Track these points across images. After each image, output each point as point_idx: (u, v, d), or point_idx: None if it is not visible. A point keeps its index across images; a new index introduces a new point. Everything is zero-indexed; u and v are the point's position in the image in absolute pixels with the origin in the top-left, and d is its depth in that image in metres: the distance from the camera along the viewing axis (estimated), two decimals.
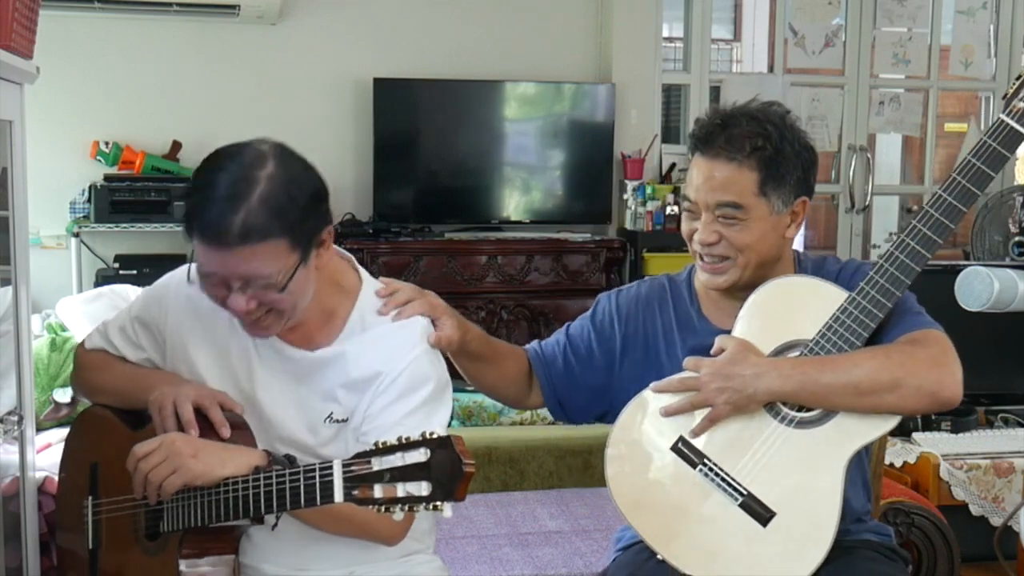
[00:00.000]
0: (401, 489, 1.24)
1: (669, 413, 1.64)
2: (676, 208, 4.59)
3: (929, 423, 3.23)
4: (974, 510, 3.02)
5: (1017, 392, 3.46)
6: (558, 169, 4.72)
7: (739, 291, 1.72)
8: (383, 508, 1.26)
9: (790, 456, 1.59)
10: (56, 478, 1.83)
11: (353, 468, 1.28)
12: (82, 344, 1.77)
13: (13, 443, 1.86)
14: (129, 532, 1.59)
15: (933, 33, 5.24)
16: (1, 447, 1.84)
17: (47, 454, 2.44)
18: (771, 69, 5.31)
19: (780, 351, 1.63)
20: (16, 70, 1.76)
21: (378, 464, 1.26)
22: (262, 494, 1.39)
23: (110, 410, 1.71)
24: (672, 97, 5.27)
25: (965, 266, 2.40)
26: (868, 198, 5.23)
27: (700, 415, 1.62)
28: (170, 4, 4.18)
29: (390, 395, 1.54)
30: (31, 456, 1.91)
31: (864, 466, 1.78)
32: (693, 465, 1.62)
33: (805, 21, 5.06)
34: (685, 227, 1.74)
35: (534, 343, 1.90)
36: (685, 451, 1.63)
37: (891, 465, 3.05)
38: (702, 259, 1.72)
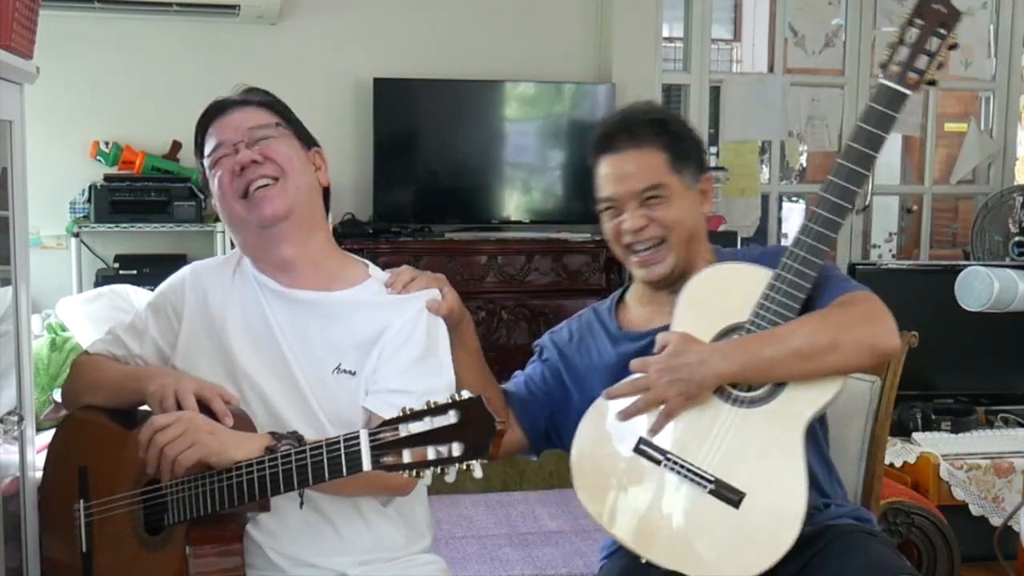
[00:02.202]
0: (432, 452, 1.24)
1: (627, 416, 1.66)
2: None
3: (929, 423, 3.23)
4: (974, 510, 3.02)
5: (1017, 392, 3.46)
6: (558, 169, 4.71)
7: (667, 287, 1.78)
8: (414, 472, 1.26)
9: (748, 436, 1.61)
10: None
11: (381, 436, 1.28)
12: (84, 352, 1.79)
13: (13, 443, 1.85)
14: (127, 529, 1.59)
15: None
16: (1, 447, 1.84)
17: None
18: (771, 69, 5.30)
19: (720, 338, 1.66)
20: (16, 70, 1.76)
21: (405, 430, 1.26)
22: (280, 473, 1.39)
23: (99, 411, 1.71)
24: (672, 97, 5.25)
25: (965, 266, 2.40)
26: (868, 198, 5.22)
27: (656, 413, 1.64)
28: (170, 4, 4.17)
29: (401, 338, 1.62)
30: (31, 456, 1.91)
31: (821, 446, 1.79)
32: (657, 463, 1.64)
33: (805, 21, 5.05)
34: (608, 227, 1.82)
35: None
36: (647, 450, 1.65)
37: (891, 465, 3.04)
38: (635, 252, 1.79)
